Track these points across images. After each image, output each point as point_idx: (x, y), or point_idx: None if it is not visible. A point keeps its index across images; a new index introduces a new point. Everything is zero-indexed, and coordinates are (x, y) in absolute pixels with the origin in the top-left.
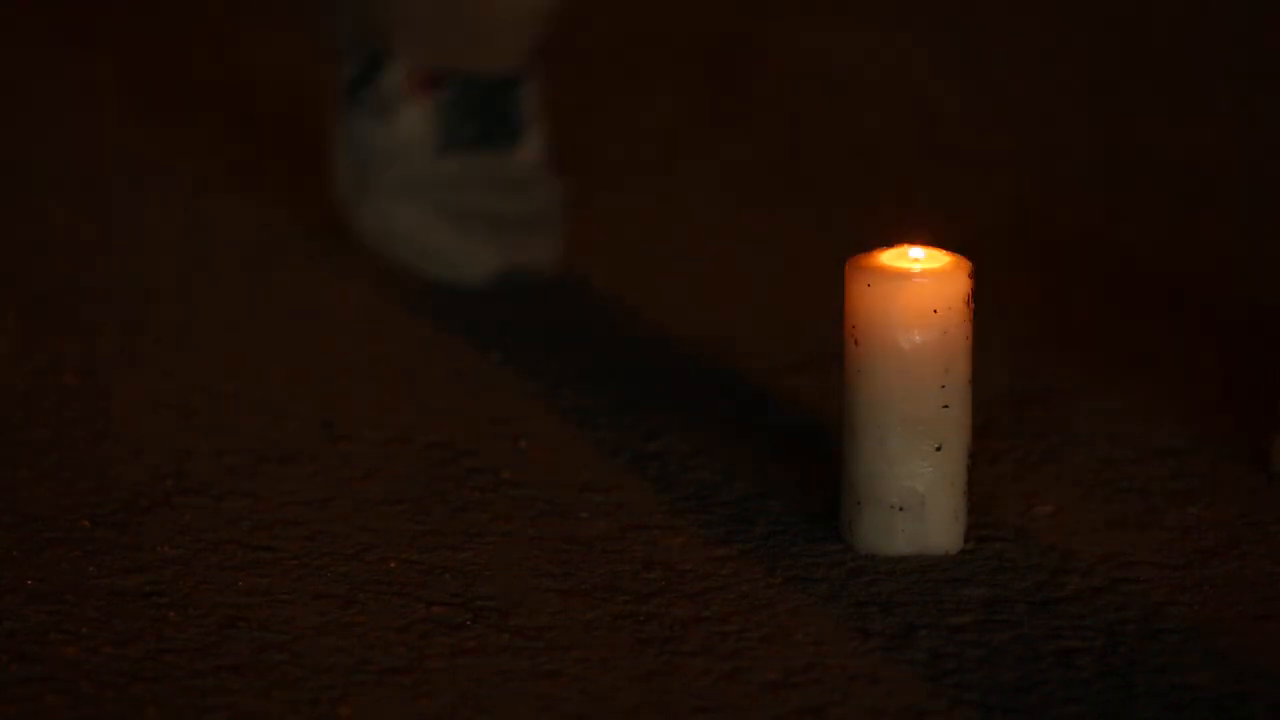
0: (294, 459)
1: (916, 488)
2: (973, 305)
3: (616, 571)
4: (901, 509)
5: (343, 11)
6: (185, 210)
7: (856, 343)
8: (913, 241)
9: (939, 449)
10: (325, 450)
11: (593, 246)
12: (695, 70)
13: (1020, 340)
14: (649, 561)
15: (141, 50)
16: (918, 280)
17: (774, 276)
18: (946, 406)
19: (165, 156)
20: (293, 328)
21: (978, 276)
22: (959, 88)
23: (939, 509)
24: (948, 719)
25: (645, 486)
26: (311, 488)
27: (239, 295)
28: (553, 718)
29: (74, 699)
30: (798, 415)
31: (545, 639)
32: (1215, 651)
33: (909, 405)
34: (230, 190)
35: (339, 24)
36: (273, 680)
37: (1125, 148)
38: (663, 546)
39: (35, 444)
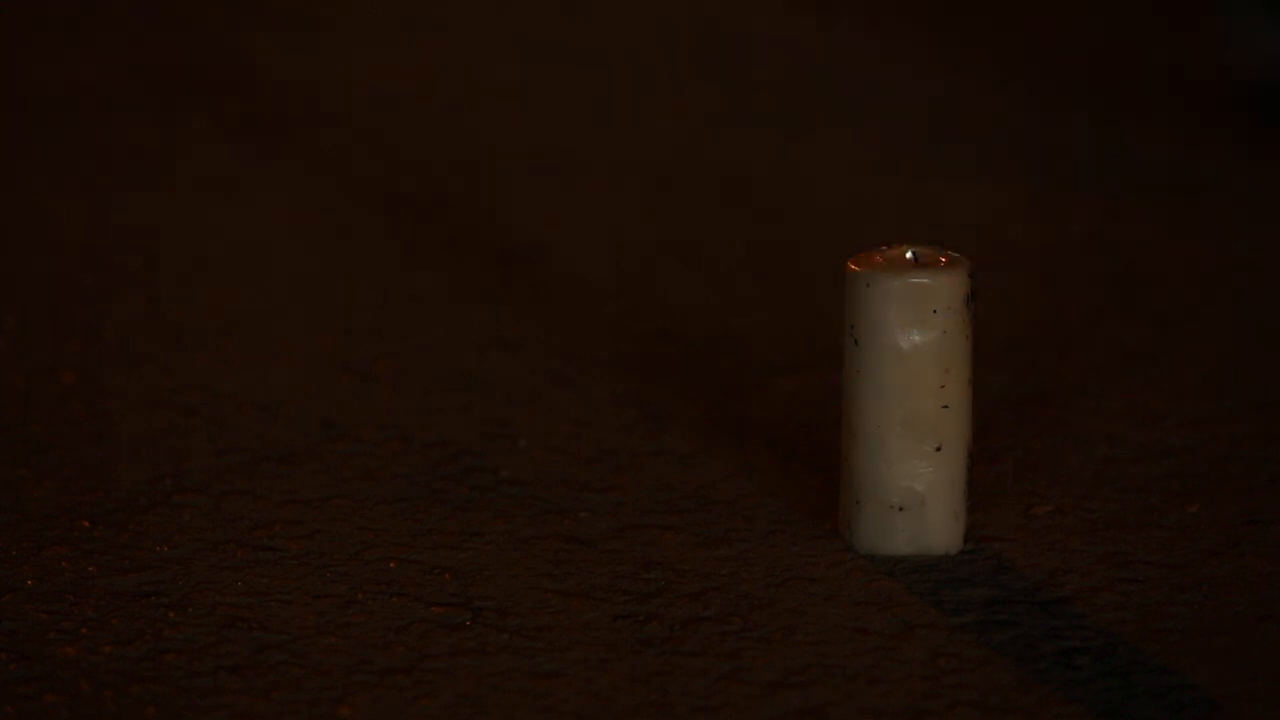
0: (294, 459)
1: (916, 488)
2: (973, 305)
3: (616, 571)
4: (901, 509)
5: None
6: (185, 210)
7: (856, 343)
8: (913, 241)
9: (939, 449)
10: (325, 450)
11: (593, 246)
12: (694, 68)
13: (1020, 340)
14: (649, 561)
15: (143, 49)
16: (918, 280)
17: (774, 276)
18: (946, 406)
19: (166, 155)
20: (293, 328)
21: (978, 276)
22: (959, 87)
23: (939, 509)
24: (947, 719)
25: (645, 486)
26: (311, 488)
27: (239, 295)
28: (553, 718)
29: (74, 699)
30: (797, 415)
31: (545, 639)
32: (1215, 651)
33: (909, 405)
34: (230, 190)
35: None
36: (273, 680)
37: (1125, 148)
38: (663, 546)
39: (35, 444)
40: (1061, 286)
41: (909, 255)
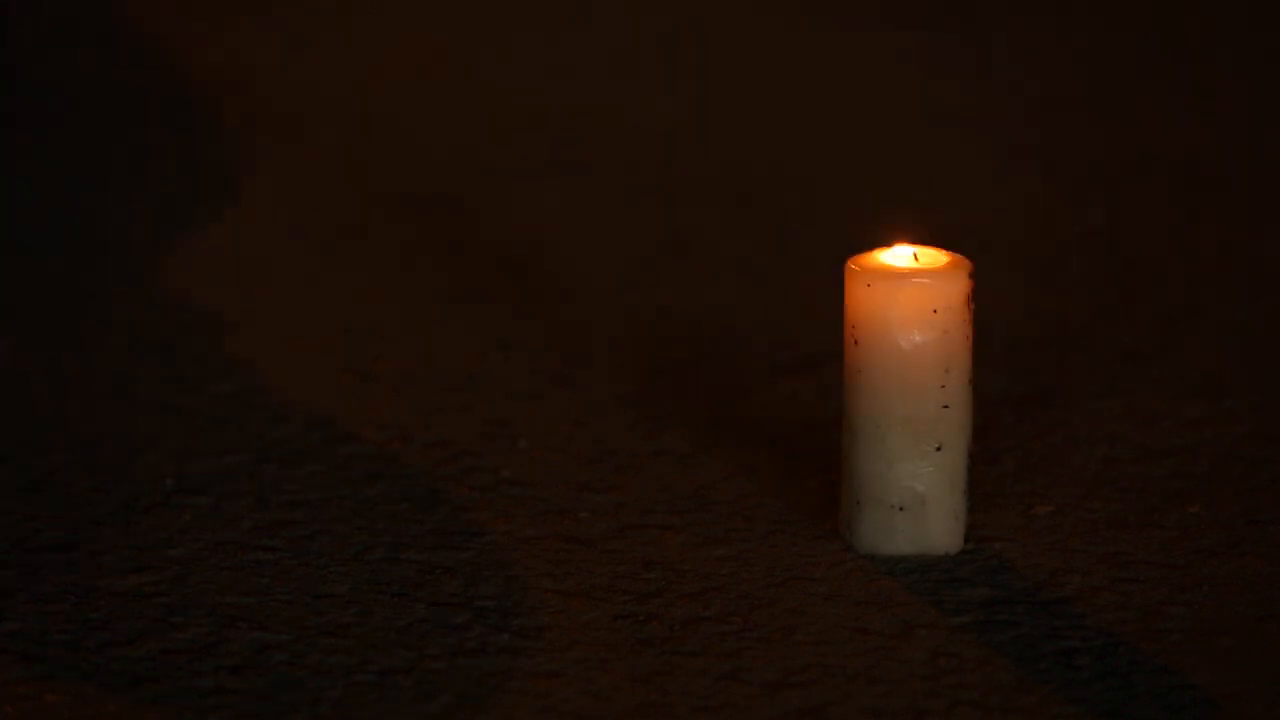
0: (294, 459)
1: (916, 488)
2: (973, 305)
3: (616, 571)
4: (901, 509)
5: None
6: (185, 210)
7: (856, 343)
8: (913, 241)
9: (939, 449)
10: (325, 450)
11: (593, 246)
12: (694, 67)
13: (1020, 340)
14: (649, 561)
15: (140, 48)
16: (918, 280)
17: (774, 276)
18: (946, 406)
19: (166, 156)
20: (293, 327)
21: (978, 276)
22: (959, 86)
23: (939, 509)
24: (947, 719)
25: (645, 486)
26: (311, 488)
27: (239, 295)
28: (553, 718)
29: (74, 699)
30: (798, 415)
31: (545, 639)
32: (1215, 651)
33: (909, 405)
34: (230, 190)
35: None
36: (273, 680)
37: (1125, 148)
38: (663, 546)
39: (35, 444)
40: (1061, 286)
41: (909, 255)
